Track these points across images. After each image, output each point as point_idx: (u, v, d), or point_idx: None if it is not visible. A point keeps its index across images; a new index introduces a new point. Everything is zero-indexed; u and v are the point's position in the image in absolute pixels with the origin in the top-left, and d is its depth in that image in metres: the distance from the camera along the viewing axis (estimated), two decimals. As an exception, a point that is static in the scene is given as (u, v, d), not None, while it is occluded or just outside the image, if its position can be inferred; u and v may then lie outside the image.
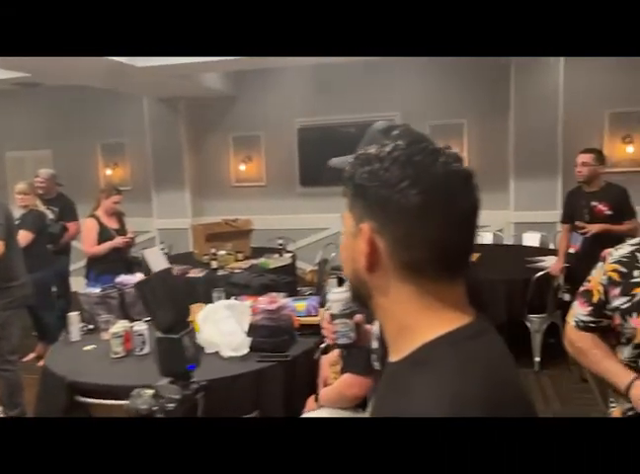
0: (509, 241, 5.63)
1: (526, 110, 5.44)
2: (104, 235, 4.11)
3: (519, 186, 5.59)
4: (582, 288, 1.61)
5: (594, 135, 5.47)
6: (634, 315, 1.45)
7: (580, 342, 1.60)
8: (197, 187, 6.79)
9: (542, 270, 3.97)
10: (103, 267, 3.97)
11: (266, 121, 6.44)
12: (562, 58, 5.26)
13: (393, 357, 0.71)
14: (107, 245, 4.08)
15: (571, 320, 1.63)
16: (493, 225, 5.87)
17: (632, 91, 5.38)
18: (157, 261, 1.30)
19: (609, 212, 3.67)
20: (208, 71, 5.52)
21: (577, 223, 3.78)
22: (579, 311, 1.60)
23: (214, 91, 6.11)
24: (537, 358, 3.97)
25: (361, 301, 0.75)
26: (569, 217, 3.91)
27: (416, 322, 0.68)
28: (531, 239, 5.39)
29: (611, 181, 3.90)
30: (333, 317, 1.35)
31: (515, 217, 5.64)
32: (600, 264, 1.58)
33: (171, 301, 1.30)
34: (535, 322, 3.96)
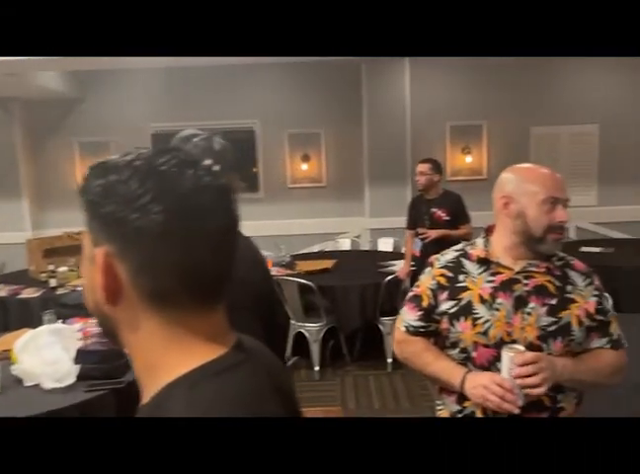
0: (365, 247, 5.84)
1: (377, 119, 5.67)
2: None
3: (373, 193, 5.81)
4: (411, 293, 1.62)
5: (438, 146, 5.88)
6: (461, 319, 1.48)
7: (411, 346, 1.60)
8: (36, 196, 6.15)
9: (393, 274, 4.14)
10: None
11: (116, 126, 6.00)
12: (408, 63, 5.57)
13: (143, 401, 0.61)
14: None
15: (400, 325, 1.63)
16: (351, 232, 6.06)
17: (470, 106, 5.86)
18: None
19: (447, 218, 3.93)
20: (41, 70, 5.00)
21: (418, 229, 4.01)
22: (409, 316, 1.60)
23: (54, 92, 5.56)
24: (390, 360, 4.10)
25: (110, 337, 0.63)
26: (413, 223, 4.12)
27: (162, 360, 0.59)
28: (385, 244, 5.65)
29: (452, 188, 4.19)
30: None
31: (370, 224, 5.84)
32: (428, 269, 1.60)
33: None
34: (387, 324, 4.10)
